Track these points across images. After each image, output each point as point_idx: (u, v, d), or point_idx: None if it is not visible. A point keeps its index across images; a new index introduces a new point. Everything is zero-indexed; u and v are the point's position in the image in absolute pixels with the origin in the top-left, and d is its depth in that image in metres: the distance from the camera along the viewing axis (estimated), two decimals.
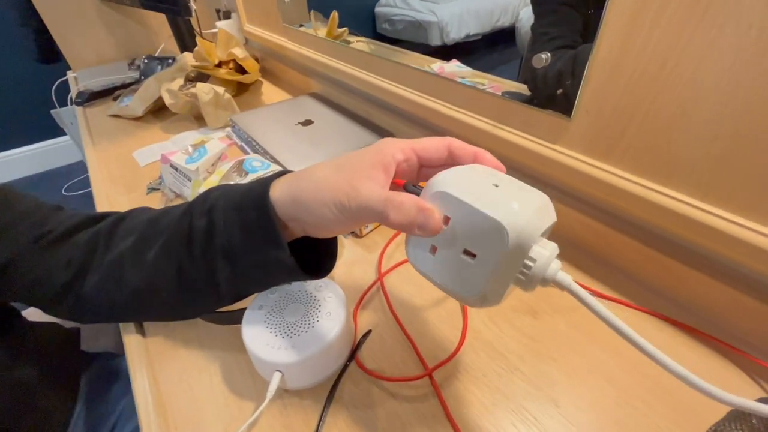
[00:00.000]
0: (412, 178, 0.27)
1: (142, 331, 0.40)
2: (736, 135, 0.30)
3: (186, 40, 0.98)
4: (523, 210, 0.20)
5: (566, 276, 0.22)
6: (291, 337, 0.32)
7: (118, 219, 0.36)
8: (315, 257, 0.33)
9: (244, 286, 0.32)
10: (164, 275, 0.32)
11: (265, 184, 0.28)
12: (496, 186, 0.22)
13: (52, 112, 1.56)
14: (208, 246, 0.30)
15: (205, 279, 0.31)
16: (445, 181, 0.23)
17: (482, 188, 0.22)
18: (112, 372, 0.54)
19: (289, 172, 0.30)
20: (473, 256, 0.22)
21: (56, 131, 2.02)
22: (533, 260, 0.21)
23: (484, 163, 0.25)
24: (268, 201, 0.27)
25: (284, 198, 0.27)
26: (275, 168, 0.55)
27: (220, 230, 0.29)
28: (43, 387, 0.46)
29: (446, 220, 0.22)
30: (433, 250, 0.24)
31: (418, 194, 0.24)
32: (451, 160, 0.26)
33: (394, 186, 0.26)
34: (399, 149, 0.25)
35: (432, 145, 0.26)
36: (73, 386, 0.50)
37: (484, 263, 0.21)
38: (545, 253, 0.21)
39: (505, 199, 0.21)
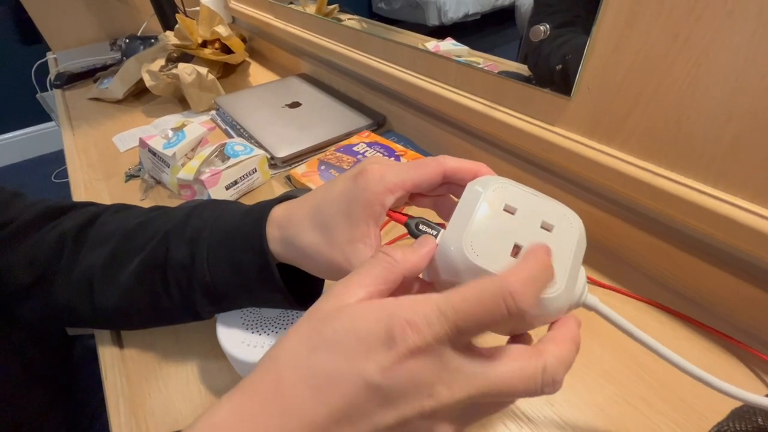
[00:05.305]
0: (402, 203, 0.25)
1: (117, 331, 0.38)
2: (753, 116, 0.27)
3: (168, 17, 0.93)
4: (555, 292, 0.18)
5: (593, 298, 0.21)
6: (269, 334, 0.30)
7: (88, 221, 0.34)
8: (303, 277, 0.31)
9: (227, 310, 0.31)
10: (137, 301, 0.30)
11: (259, 224, 0.26)
12: (518, 246, 0.19)
13: (38, 96, 1.51)
14: (187, 281, 0.28)
15: (182, 309, 0.29)
16: (455, 260, 0.19)
17: (502, 259, 0.19)
18: (92, 353, 0.52)
19: (287, 198, 0.27)
20: None
21: (44, 116, 1.97)
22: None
23: None
24: (266, 246, 0.25)
25: (278, 251, 0.26)
26: (258, 153, 0.52)
27: (202, 267, 0.27)
28: (27, 379, 0.44)
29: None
30: None
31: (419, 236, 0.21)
32: (450, 180, 0.23)
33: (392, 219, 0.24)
34: (388, 191, 0.22)
35: (425, 177, 0.22)
36: (57, 379, 0.49)
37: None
38: (578, 293, 0.20)
39: None
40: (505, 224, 0.19)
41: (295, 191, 0.33)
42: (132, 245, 0.31)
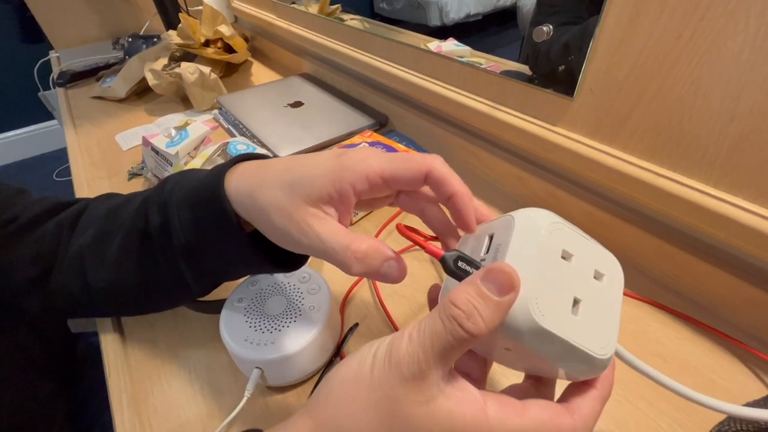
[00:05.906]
0: (381, 194, 0.23)
1: (120, 328, 0.38)
2: (756, 116, 0.27)
3: (171, 16, 0.93)
4: (608, 354, 0.18)
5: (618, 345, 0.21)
6: (272, 332, 0.30)
7: (82, 208, 0.34)
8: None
9: (216, 280, 0.30)
10: (127, 275, 0.30)
11: (219, 173, 0.25)
12: (576, 301, 0.17)
13: (39, 94, 1.52)
14: (167, 245, 0.27)
15: (171, 278, 0.29)
16: (518, 321, 0.17)
17: (567, 319, 0.17)
18: (95, 350, 0.53)
19: (247, 159, 0.27)
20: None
21: (46, 115, 1.97)
22: None
23: (461, 209, 0.21)
24: (222, 195, 0.24)
25: (240, 202, 0.24)
26: (261, 152, 0.52)
27: (176, 229, 0.27)
28: (35, 375, 0.44)
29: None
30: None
31: (460, 278, 0.18)
32: (430, 186, 0.22)
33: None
34: (364, 177, 0.21)
35: (406, 173, 0.22)
36: (60, 376, 0.49)
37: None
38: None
39: (591, 341, 0.17)
40: (564, 274, 0.17)
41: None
42: (116, 221, 0.31)
